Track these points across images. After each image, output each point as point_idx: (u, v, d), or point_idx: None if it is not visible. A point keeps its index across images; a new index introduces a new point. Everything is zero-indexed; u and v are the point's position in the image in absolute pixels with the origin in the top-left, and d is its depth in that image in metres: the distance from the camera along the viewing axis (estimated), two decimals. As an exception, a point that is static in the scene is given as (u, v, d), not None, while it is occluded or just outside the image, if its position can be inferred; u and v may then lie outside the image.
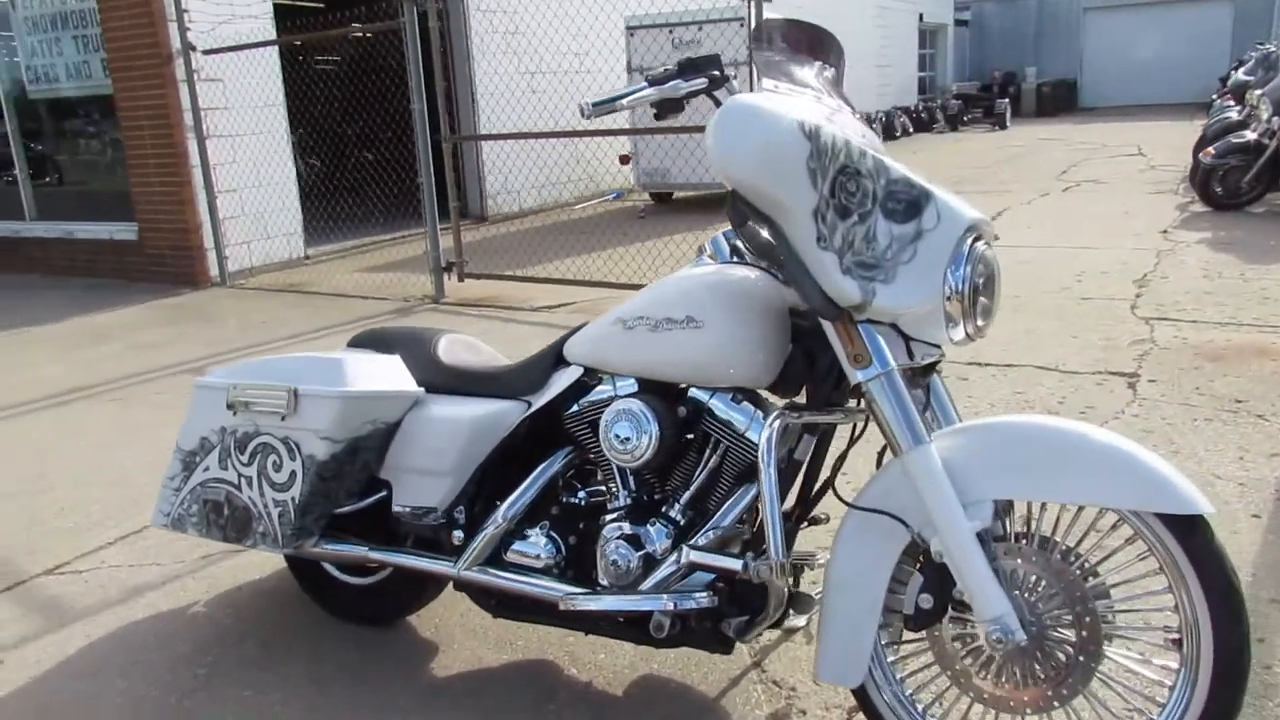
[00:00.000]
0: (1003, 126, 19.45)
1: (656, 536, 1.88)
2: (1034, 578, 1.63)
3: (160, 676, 2.28)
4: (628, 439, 1.85)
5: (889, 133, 18.35)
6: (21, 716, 2.15)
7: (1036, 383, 3.94)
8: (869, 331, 1.68)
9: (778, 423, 1.70)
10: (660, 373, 1.86)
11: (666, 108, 1.70)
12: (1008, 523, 1.70)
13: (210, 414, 2.24)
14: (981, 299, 1.71)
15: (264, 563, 2.76)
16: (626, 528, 1.90)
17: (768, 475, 1.65)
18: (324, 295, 6.76)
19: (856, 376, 1.68)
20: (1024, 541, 1.66)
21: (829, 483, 1.96)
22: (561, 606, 1.88)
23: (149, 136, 7.11)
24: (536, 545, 2.01)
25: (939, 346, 1.77)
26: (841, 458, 2.01)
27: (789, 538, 2.01)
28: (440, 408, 2.15)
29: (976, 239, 1.68)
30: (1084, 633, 1.59)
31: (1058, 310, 5.06)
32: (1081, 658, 1.60)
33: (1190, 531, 1.53)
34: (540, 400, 2.05)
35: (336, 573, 2.46)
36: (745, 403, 1.86)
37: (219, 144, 7.19)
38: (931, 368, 1.83)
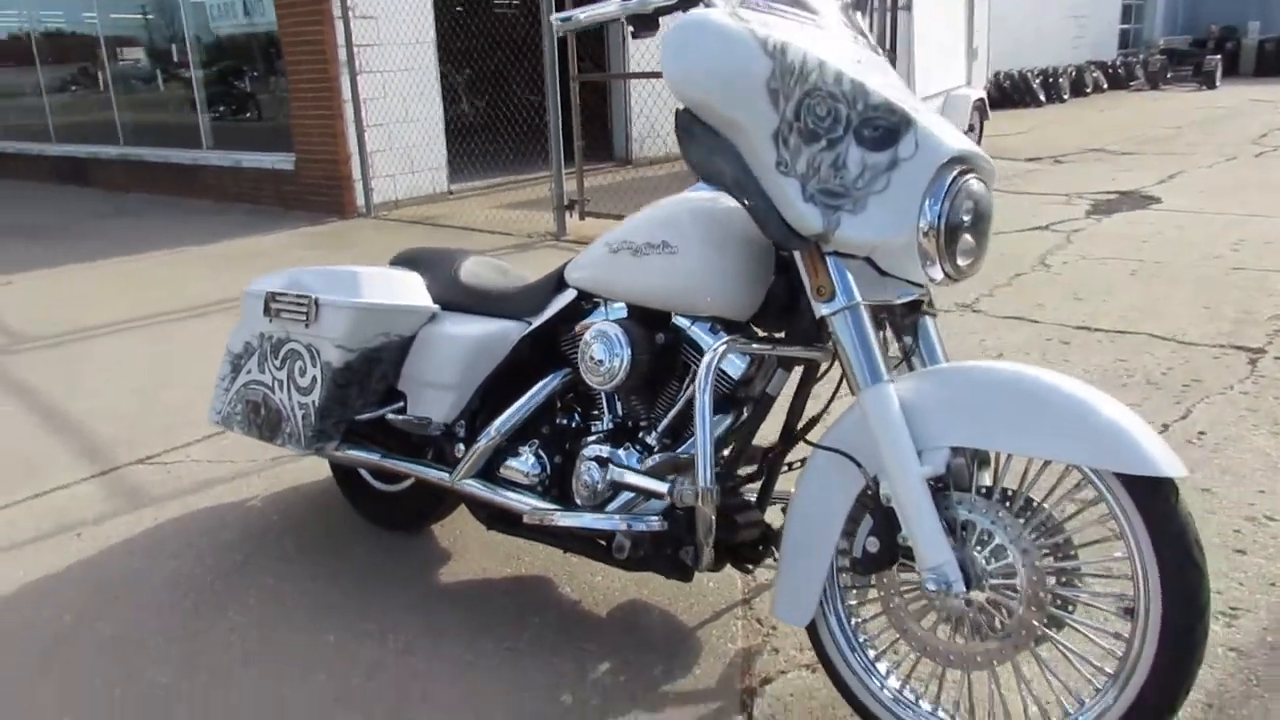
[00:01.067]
0: (1211, 86, 17.78)
1: (626, 460, 1.89)
2: (988, 532, 1.54)
3: (204, 559, 2.49)
4: (601, 361, 1.85)
5: (1077, 89, 17.13)
6: (82, 584, 2.40)
7: (1145, 351, 3.66)
8: (837, 264, 1.61)
9: (722, 348, 1.66)
10: (643, 298, 1.86)
11: (640, 24, 1.67)
12: (981, 474, 1.61)
13: (253, 320, 2.39)
14: (965, 236, 1.61)
15: (319, 468, 2.94)
16: (601, 450, 1.92)
17: (701, 401, 1.62)
18: (456, 229, 7.00)
19: (820, 310, 1.62)
20: (983, 494, 1.57)
21: (815, 420, 1.91)
22: (525, 519, 1.92)
23: (307, 71, 7.52)
24: (525, 462, 2.05)
25: (921, 285, 1.68)
26: (830, 399, 1.96)
27: (770, 475, 1.98)
28: (450, 325, 2.21)
29: (964, 172, 1.58)
30: (1033, 593, 1.50)
31: (1200, 279, 4.65)
32: (1027, 619, 1.51)
33: (1150, 495, 1.41)
34: (538, 321, 2.08)
35: (371, 480, 2.59)
36: (724, 333, 1.83)
37: (370, 79, 7.52)
38: (917, 307, 1.74)
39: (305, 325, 2.24)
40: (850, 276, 1.61)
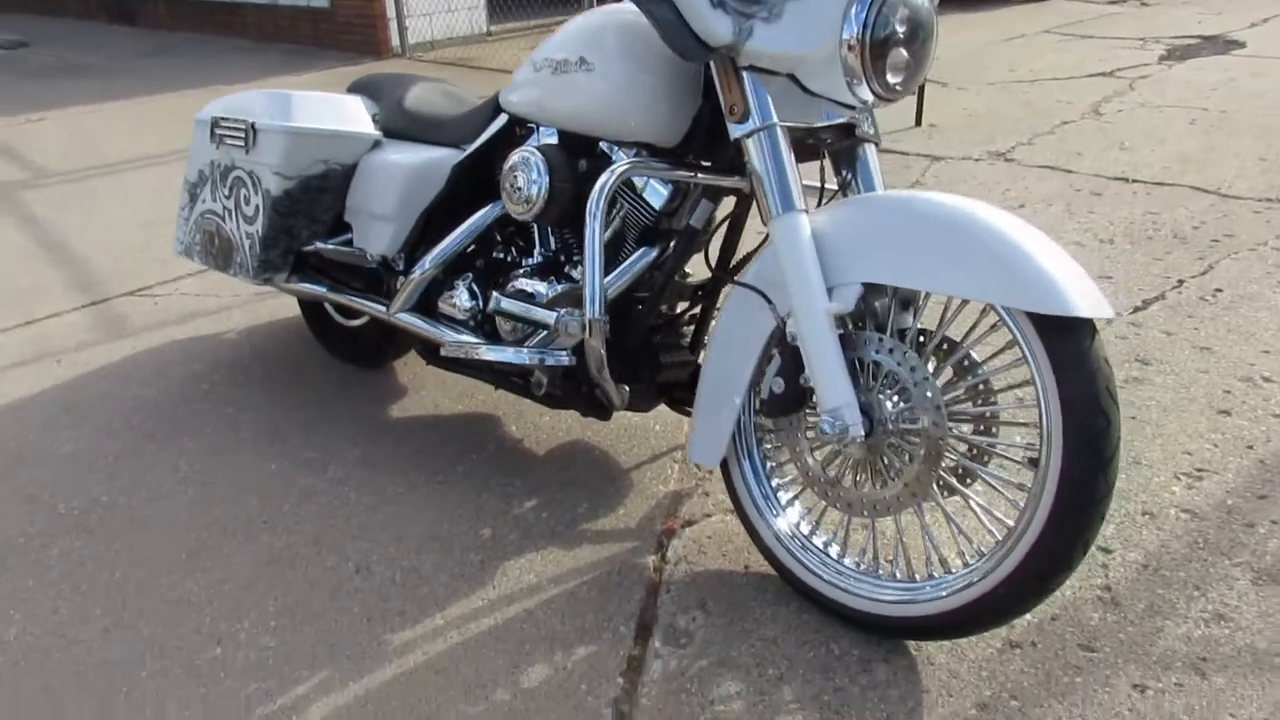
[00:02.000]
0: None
1: (547, 293, 1.81)
2: (894, 375, 1.44)
3: (171, 387, 2.51)
4: (520, 189, 1.75)
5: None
6: (51, 407, 2.45)
7: (1181, 204, 3.40)
8: (753, 81, 1.47)
9: (622, 169, 1.55)
10: (566, 121, 1.74)
11: None
12: (905, 316, 1.50)
13: (204, 147, 2.33)
14: (897, 51, 1.44)
15: (295, 305, 2.92)
16: (526, 284, 1.84)
17: (591, 227, 1.52)
18: (491, 70, 6.79)
19: (733, 131, 1.49)
20: (896, 335, 1.46)
21: (750, 256, 1.80)
22: (443, 352, 1.87)
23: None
24: (460, 296, 1.99)
25: (852, 107, 1.53)
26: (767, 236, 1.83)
27: (704, 314, 1.89)
28: (389, 153, 2.12)
29: None
30: (936, 441, 1.41)
31: (1263, 129, 4.28)
32: (927, 468, 1.42)
33: (1058, 336, 1.29)
34: (470, 149, 1.98)
35: (334, 314, 2.56)
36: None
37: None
38: (850, 133, 1.59)
39: (245, 151, 2.17)
40: (768, 95, 1.47)
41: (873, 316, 1.50)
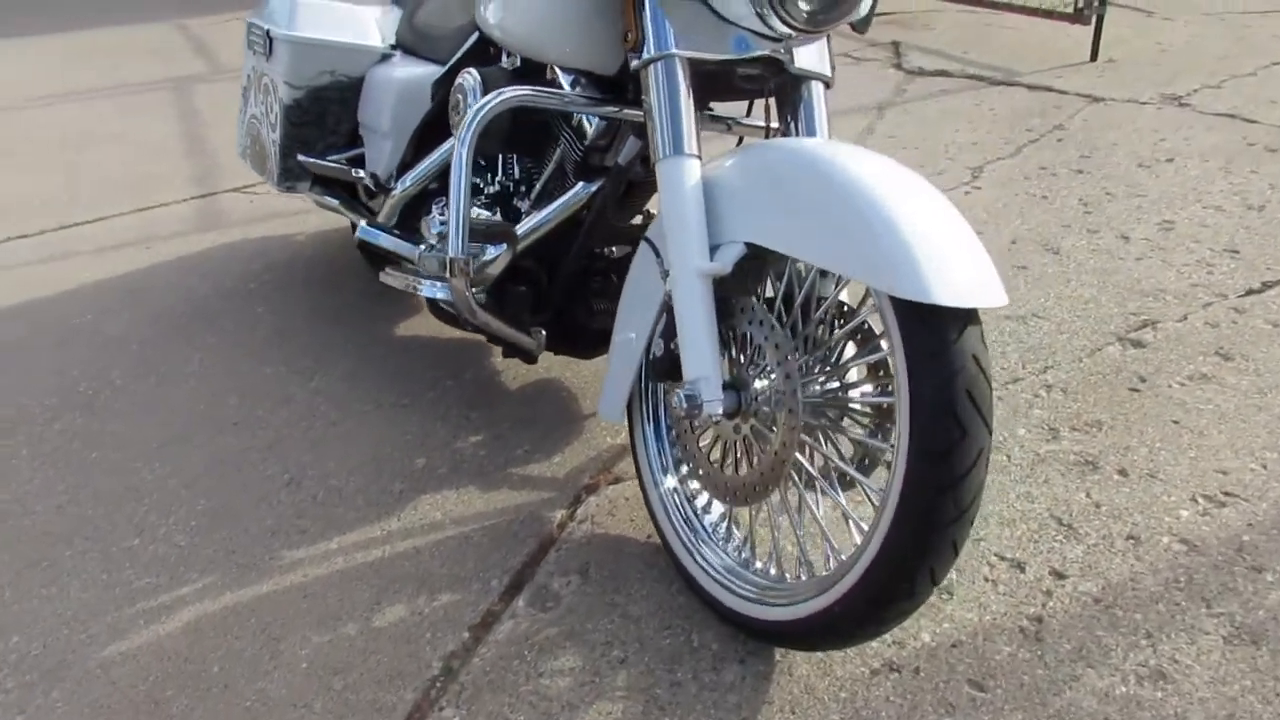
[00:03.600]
0: None
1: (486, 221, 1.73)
2: (760, 349, 1.28)
3: (223, 283, 2.65)
4: (458, 114, 1.67)
5: None
6: (118, 291, 2.64)
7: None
8: (653, 5, 1.31)
9: (502, 97, 1.42)
10: (517, 43, 1.63)
11: None
12: (824, 284, 1.32)
13: (247, 52, 2.38)
14: None
15: (365, 210, 2.99)
16: (438, 220, 1.77)
17: (458, 154, 1.41)
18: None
19: (630, 61, 1.34)
20: (782, 306, 1.29)
21: None
22: (380, 278, 1.83)
23: None
24: (430, 220, 1.94)
25: (775, 39, 1.33)
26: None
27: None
28: (386, 67, 2.09)
29: None
30: (791, 428, 1.24)
31: None
32: (781, 458, 1.26)
33: (919, 325, 1.09)
34: (446, 67, 1.90)
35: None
36: (594, 90, 1.57)
37: None
38: (781, 69, 1.39)
39: (266, 59, 2.20)
40: (667, 22, 1.31)
41: (799, 283, 1.33)
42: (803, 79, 1.41)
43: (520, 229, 1.60)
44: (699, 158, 1.31)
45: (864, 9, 1.40)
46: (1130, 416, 1.85)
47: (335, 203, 2.27)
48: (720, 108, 1.63)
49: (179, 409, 2.06)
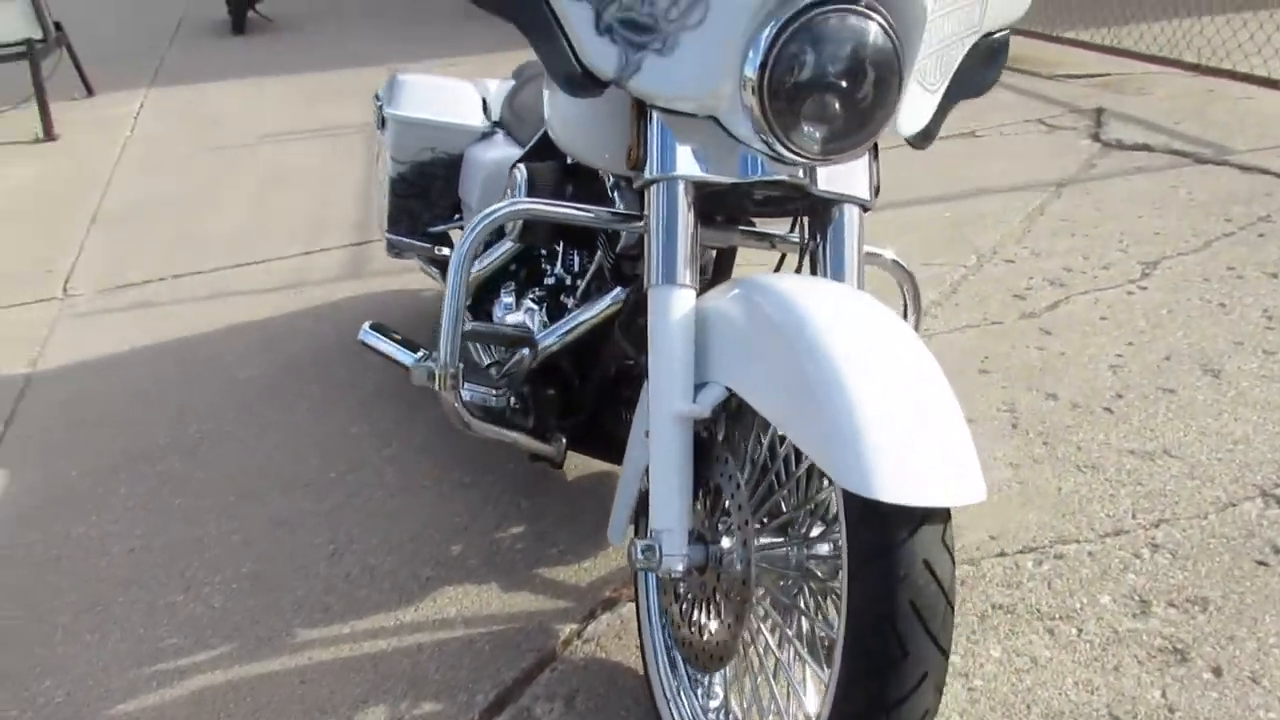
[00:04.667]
0: None
1: (525, 316, 1.70)
2: (733, 509, 1.16)
3: (346, 334, 2.75)
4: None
5: None
6: (255, 333, 2.82)
7: None
8: (659, 122, 1.24)
9: (501, 212, 1.37)
10: (557, 140, 1.59)
11: None
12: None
13: (375, 123, 2.49)
14: (825, 99, 1.13)
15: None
16: (509, 302, 1.74)
17: (455, 261, 1.37)
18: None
19: (635, 177, 1.27)
20: (767, 458, 1.18)
21: None
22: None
23: None
24: (499, 305, 1.94)
25: (793, 163, 1.22)
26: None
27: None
28: (482, 147, 2.11)
29: (824, 4, 1.09)
30: (740, 599, 1.12)
31: None
32: (739, 627, 1.14)
33: (864, 522, 0.95)
34: (522, 152, 1.89)
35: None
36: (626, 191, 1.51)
37: None
38: (811, 198, 1.28)
39: (380, 131, 2.29)
40: (674, 141, 1.23)
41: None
42: (837, 200, 1.29)
43: (544, 335, 1.56)
44: (693, 288, 1.22)
45: (906, 126, 1.27)
46: (1246, 598, 1.57)
47: (436, 273, 2.32)
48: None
49: (265, 462, 2.16)
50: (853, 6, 1.10)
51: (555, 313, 1.70)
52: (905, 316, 1.58)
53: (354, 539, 1.89)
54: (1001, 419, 2.10)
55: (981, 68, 1.45)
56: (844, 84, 1.13)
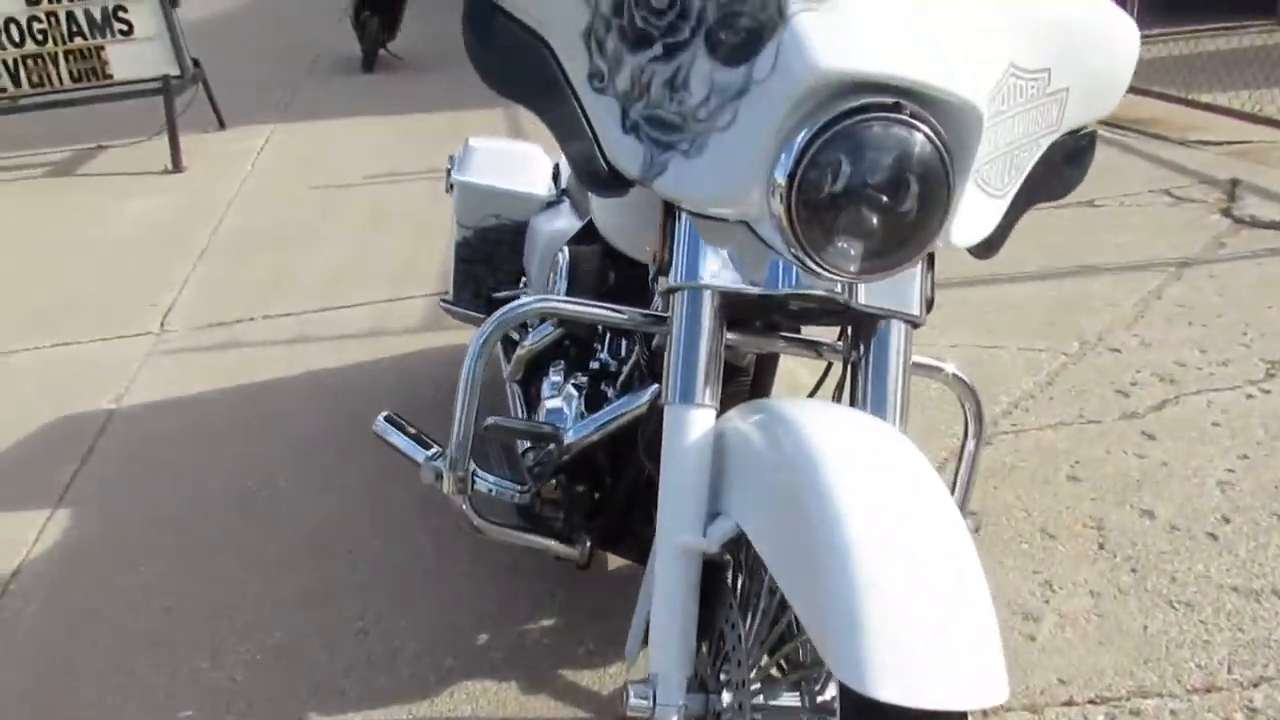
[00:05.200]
0: None
1: (564, 403, 1.62)
2: (732, 661, 1.05)
3: (413, 389, 2.75)
4: (549, 289, 1.59)
5: None
6: (330, 381, 2.83)
7: None
8: (690, 226, 1.15)
9: (519, 310, 1.29)
10: (595, 222, 1.52)
11: None
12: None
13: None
14: (859, 212, 1.02)
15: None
16: (556, 381, 1.67)
17: (467, 365, 1.30)
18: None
19: (660, 282, 1.18)
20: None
21: None
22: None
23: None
24: (547, 381, 1.87)
25: (830, 276, 1.11)
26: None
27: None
28: (545, 217, 2.06)
29: (872, 110, 0.99)
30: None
31: None
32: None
33: (858, 716, 0.83)
34: (580, 225, 1.83)
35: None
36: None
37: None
38: (854, 318, 1.16)
39: (449, 194, 2.26)
40: (701, 248, 1.14)
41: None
42: (883, 315, 1.17)
43: (574, 429, 1.48)
44: (712, 407, 1.12)
45: (962, 237, 1.14)
46: (1357, 787, 1.35)
47: (499, 351, 2.27)
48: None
49: (312, 525, 2.14)
50: (895, 114, 0.99)
51: (594, 401, 1.62)
52: (966, 437, 1.44)
53: (383, 617, 1.83)
54: (1086, 537, 1.91)
55: (1064, 168, 1.32)
56: (884, 197, 1.02)
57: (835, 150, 1.00)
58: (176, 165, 5.59)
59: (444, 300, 2.30)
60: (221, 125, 6.52)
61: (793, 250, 1.06)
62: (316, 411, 2.64)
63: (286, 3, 12.46)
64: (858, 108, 0.99)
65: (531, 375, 1.90)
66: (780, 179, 1.02)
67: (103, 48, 5.67)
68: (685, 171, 1.09)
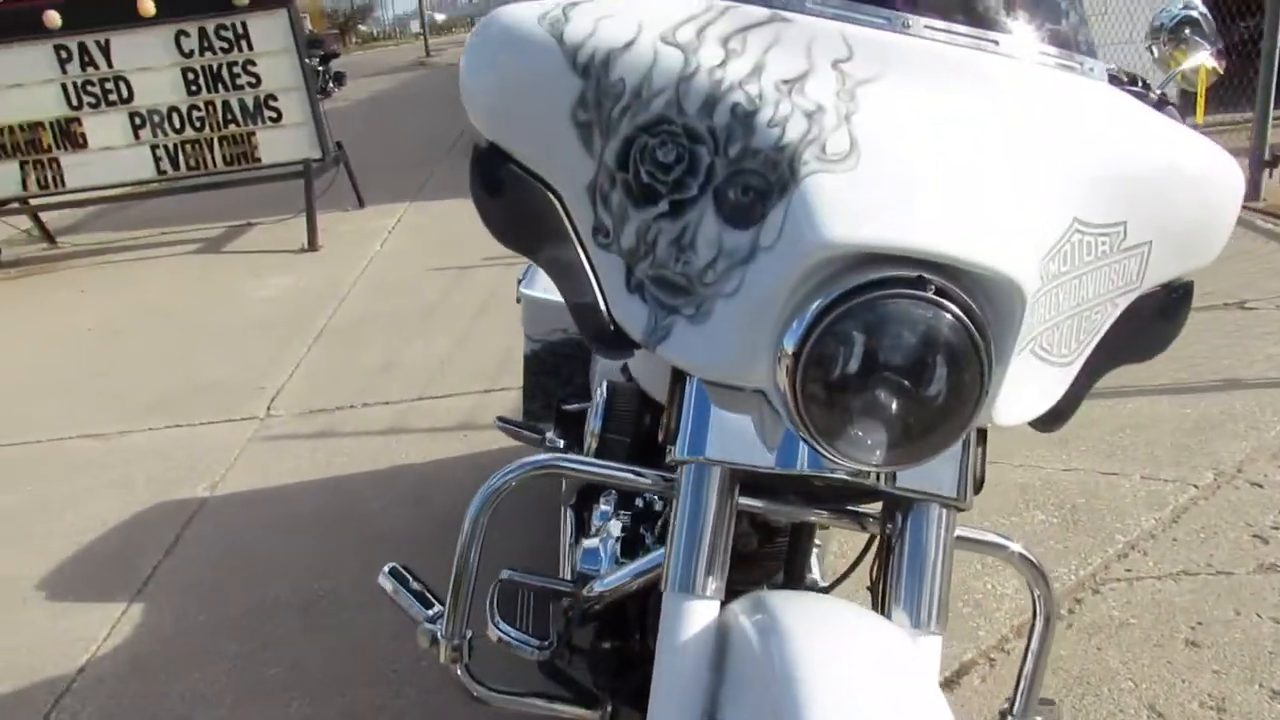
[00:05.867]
0: None
1: (601, 545, 1.51)
2: None
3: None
4: (592, 422, 1.51)
5: None
6: (417, 477, 2.82)
7: None
8: (699, 394, 1.04)
9: (520, 471, 1.19)
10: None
11: None
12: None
13: (519, 296, 2.45)
14: (871, 395, 0.90)
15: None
16: (606, 510, 1.57)
17: (463, 531, 1.20)
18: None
19: (668, 452, 1.08)
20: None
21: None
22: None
23: None
24: (597, 511, 1.77)
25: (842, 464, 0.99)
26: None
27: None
28: (607, 333, 1.98)
29: (883, 285, 0.87)
30: None
31: None
32: None
33: None
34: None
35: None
36: None
37: None
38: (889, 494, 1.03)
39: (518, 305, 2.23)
40: (709, 419, 1.03)
41: None
42: (927, 500, 1.03)
43: (600, 583, 1.37)
44: (715, 599, 1.01)
45: (1011, 414, 0.99)
46: None
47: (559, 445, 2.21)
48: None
49: (365, 638, 2.10)
50: (917, 292, 0.86)
51: (631, 546, 1.51)
52: (1034, 623, 1.26)
53: (414, 751, 1.76)
54: (1203, 719, 1.66)
55: (1154, 324, 1.15)
56: (905, 381, 0.89)
57: (849, 327, 0.88)
58: (312, 244, 5.86)
59: (500, 420, 2.26)
60: (360, 204, 6.82)
61: (801, 434, 0.94)
62: (395, 512, 2.63)
63: (440, 85, 13.12)
64: (875, 281, 0.87)
65: (585, 500, 1.81)
66: (789, 349, 0.91)
67: (253, 133, 6.05)
68: (690, 337, 0.99)
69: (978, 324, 0.87)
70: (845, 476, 1.00)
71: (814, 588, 1.40)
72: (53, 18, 5.74)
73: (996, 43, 1.04)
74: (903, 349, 0.88)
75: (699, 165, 0.96)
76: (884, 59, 0.99)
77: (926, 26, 1.03)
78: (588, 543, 1.53)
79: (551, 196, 1.08)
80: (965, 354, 0.87)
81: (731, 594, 1.36)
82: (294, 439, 3.18)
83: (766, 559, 1.34)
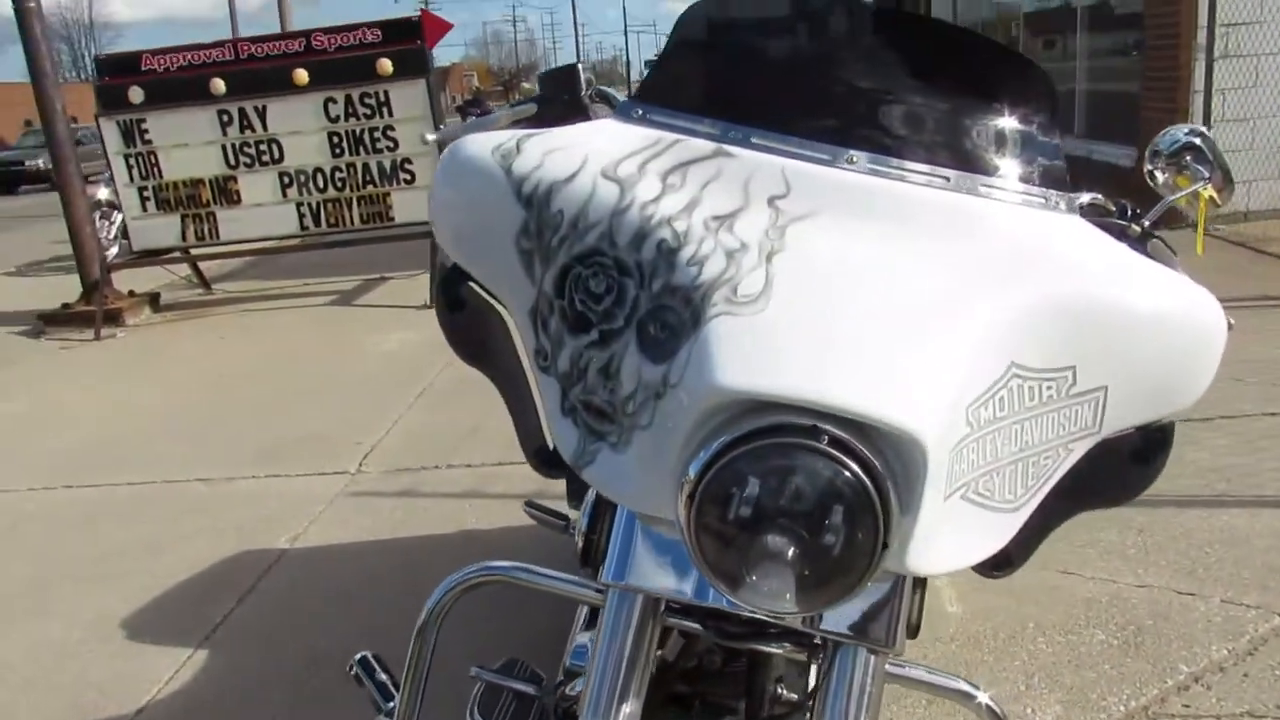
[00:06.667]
0: None
1: (580, 650, 1.52)
2: None
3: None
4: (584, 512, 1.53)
5: None
6: (444, 547, 2.89)
7: None
8: (628, 522, 1.06)
9: (467, 578, 1.22)
10: None
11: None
12: None
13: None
14: (769, 541, 0.89)
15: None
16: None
17: (412, 648, 1.23)
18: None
19: (596, 578, 1.10)
20: None
21: None
22: None
23: (1154, 53, 6.53)
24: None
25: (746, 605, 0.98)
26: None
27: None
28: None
29: (774, 433, 0.88)
30: None
31: None
32: None
33: None
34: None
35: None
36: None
37: (1234, 64, 6.16)
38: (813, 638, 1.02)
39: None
40: (634, 546, 1.05)
41: None
42: (843, 643, 1.01)
43: (577, 685, 1.38)
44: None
45: (937, 561, 0.96)
46: None
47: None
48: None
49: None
50: (810, 442, 0.86)
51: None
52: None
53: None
54: None
55: (1129, 467, 1.10)
56: (800, 529, 0.88)
57: (744, 468, 0.88)
58: (431, 302, 6.12)
59: (528, 504, 2.30)
60: (484, 263, 7.09)
61: (703, 572, 0.94)
62: (411, 589, 2.67)
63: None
64: (771, 427, 0.87)
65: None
66: (688, 482, 0.91)
67: (389, 194, 6.41)
68: (611, 464, 1.01)
69: (875, 476, 0.86)
70: (763, 616, 0.99)
71: (789, 705, 1.37)
72: (218, 85, 6.26)
73: (947, 179, 1.03)
74: (795, 496, 0.87)
75: (625, 297, 0.99)
76: (821, 196, 1.01)
77: (872, 163, 1.03)
78: (580, 638, 1.55)
79: (507, 317, 1.13)
80: (859, 505, 0.86)
81: (709, 708, 1.36)
82: (378, 496, 3.32)
83: (733, 678, 1.32)
